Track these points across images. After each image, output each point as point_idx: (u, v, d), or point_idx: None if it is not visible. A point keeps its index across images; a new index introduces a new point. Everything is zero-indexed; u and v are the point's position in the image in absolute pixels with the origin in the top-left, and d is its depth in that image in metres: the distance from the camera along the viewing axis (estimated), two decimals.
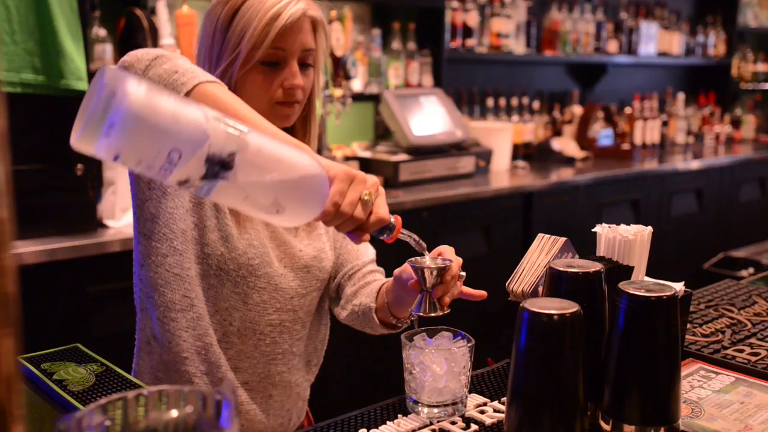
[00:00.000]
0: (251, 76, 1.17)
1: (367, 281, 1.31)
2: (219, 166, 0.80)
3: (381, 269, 1.37)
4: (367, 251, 1.37)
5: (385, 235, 0.98)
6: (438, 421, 1.04)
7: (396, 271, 1.18)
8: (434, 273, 1.06)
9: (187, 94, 0.97)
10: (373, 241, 1.06)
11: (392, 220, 0.98)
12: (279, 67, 1.18)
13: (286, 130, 1.29)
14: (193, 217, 1.16)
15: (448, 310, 1.09)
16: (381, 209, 0.94)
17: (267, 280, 1.21)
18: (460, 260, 1.12)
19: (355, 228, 0.94)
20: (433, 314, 1.08)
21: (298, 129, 1.29)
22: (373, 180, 0.94)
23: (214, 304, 1.20)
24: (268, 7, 1.14)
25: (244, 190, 0.84)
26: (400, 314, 1.23)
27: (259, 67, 1.17)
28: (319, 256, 1.29)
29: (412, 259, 1.09)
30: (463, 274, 1.13)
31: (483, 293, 1.16)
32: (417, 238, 1.04)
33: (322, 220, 0.91)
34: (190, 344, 1.19)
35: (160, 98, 0.76)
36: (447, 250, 1.14)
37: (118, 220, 2.21)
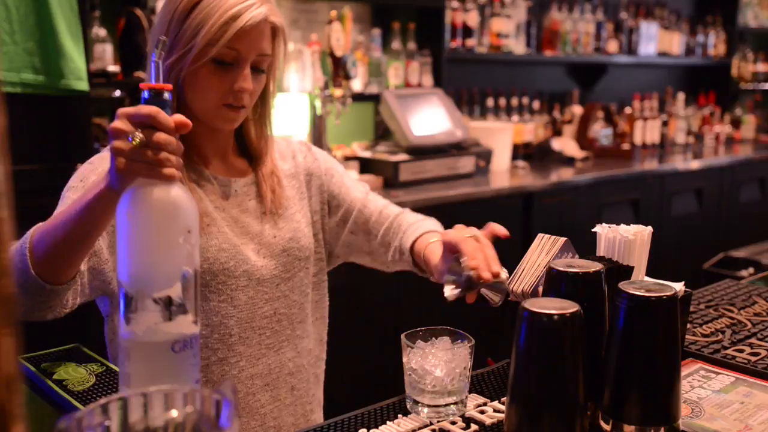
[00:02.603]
0: (202, 73, 1.14)
1: (387, 227, 1.35)
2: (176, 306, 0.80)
3: (388, 202, 1.41)
4: (357, 188, 1.39)
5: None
6: (438, 421, 1.04)
7: (441, 251, 1.17)
8: (467, 286, 1.07)
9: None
10: None
11: (164, 95, 0.86)
12: (231, 67, 1.15)
13: (238, 131, 1.27)
14: None
15: (505, 275, 1.09)
16: (157, 118, 0.83)
17: (247, 277, 1.21)
18: (466, 236, 1.11)
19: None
20: (501, 298, 1.09)
21: (254, 133, 1.27)
22: (124, 114, 0.84)
23: (207, 325, 1.19)
24: (229, 5, 1.11)
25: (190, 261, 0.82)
26: None
27: (211, 65, 1.14)
28: (295, 236, 1.28)
29: (447, 296, 1.08)
30: (477, 234, 1.13)
31: (504, 232, 1.17)
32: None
33: (168, 180, 0.82)
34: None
35: None
36: (458, 239, 1.11)
37: None
